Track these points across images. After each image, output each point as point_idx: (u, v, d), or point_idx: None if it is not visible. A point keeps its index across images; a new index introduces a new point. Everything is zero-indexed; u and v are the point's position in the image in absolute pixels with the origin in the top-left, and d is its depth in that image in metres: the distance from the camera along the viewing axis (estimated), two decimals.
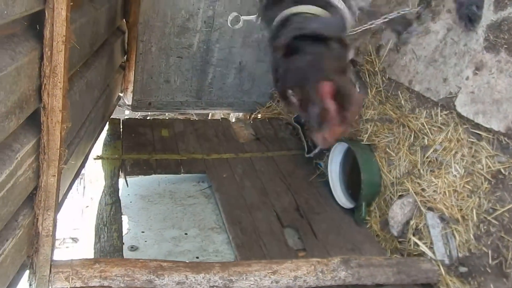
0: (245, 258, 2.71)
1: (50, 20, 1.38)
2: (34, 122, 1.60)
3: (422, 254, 2.69)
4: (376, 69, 3.15)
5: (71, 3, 1.44)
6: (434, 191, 2.65)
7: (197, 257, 2.83)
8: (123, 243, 2.77)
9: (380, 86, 3.14)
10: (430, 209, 2.68)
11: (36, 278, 1.93)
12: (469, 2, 2.38)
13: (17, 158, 1.47)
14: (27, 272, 1.96)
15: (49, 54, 1.42)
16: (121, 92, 4.30)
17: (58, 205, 2.02)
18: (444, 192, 2.60)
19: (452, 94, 2.56)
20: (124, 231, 2.95)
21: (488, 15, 2.35)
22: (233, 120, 4.76)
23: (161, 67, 4.12)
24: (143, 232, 3.04)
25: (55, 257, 1.99)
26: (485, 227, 2.40)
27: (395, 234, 2.86)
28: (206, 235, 3.04)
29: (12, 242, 1.61)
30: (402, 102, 2.95)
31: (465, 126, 2.51)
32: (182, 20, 3.96)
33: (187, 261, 2.24)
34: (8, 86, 1.25)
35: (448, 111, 2.62)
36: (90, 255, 2.74)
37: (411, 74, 2.86)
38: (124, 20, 3.88)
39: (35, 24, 1.43)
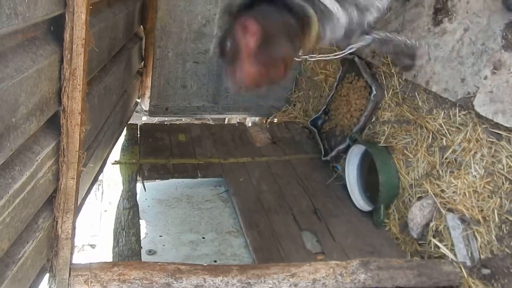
0: (262, 261, 2.70)
1: (70, 23, 1.40)
2: (54, 125, 1.62)
3: (443, 256, 2.65)
4: (392, 71, 3.13)
5: (91, 7, 1.46)
6: (454, 192, 2.62)
7: (215, 261, 2.84)
8: (141, 247, 2.80)
9: (397, 88, 3.11)
10: (450, 210, 2.64)
11: (56, 281, 1.95)
12: None
13: (37, 160, 1.49)
14: (47, 275, 1.98)
15: (68, 57, 1.45)
16: (139, 98, 4.35)
17: (77, 209, 2.05)
18: (464, 193, 2.56)
19: (470, 94, 2.52)
20: (142, 235, 2.97)
21: (505, 14, 2.32)
22: (250, 125, 4.77)
23: (177, 72, 4.16)
24: (160, 236, 3.06)
25: (74, 261, 2.02)
26: (507, 228, 2.35)
27: (415, 236, 2.82)
28: (224, 239, 3.05)
29: (33, 245, 1.63)
30: (420, 103, 2.92)
31: (484, 126, 2.48)
32: (198, 26, 4.00)
33: (205, 264, 2.24)
34: (29, 88, 1.28)
35: (466, 111, 2.58)
36: (109, 259, 2.76)
37: (428, 75, 2.84)
38: (141, 26, 3.93)
39: (55, 27, 1.46)
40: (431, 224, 2.75)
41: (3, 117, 1.15)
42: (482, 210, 2.48)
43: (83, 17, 1.43)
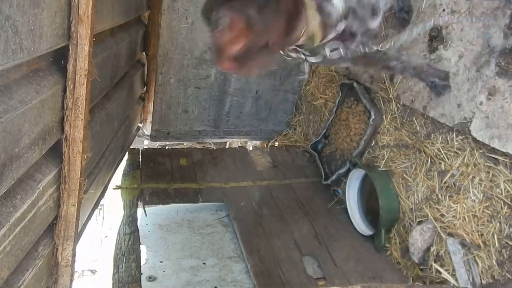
0: (264, 287, 2.70)
1: (73, 55, 1.45)
2: (55, 152, 1.65)
3: (444, 281, 2.64)
4: (390, 96, 3.17)
5: (94, 39, 1.51)
6: (454, 216, 2.62)
7: (216, 287, 2.82)
8: (141, 274, 2.78)
9: (395, 113, 3.15)
10: (450, 234, 2.64)
11: None
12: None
13: (38, 188, 1.52)
14: None
15: (72, 87, 1.49)
16: (141, 123, 4.39)
17: (78, 235, 2.06)
18: (464, 217, 2.57)
19: (467, 119, 2.55)
20: (143, 261, 2.96)
21: (499, 41, 2.37)
22: (251, 148, 4.80)
23: (179, 97, 4.21)
24: (161, 262, 3.05)
25: None
26: (507, 253, 2.35)
27: (416, 261, 2.81)
28: (225, 264, 3.04)
29: (32, 272, 1.63)
30: (418, 128, 2.95)
31: (481, 151, 2.50)
32: (200, 52, 4.07)
33: None
34: (32, 118, 1.31)
35: (463, 136, 2.61)
36: (109, 285, 2.75)
37: (425, 100, 2.87)
38: (144, 53, 4.01)
39: (59, 58, 1.50)
40: (432, 249, 2.75)
41: (6, 147, 1.18)
42: (482, 235, 2.48)
43: (86, 49, 1.47)
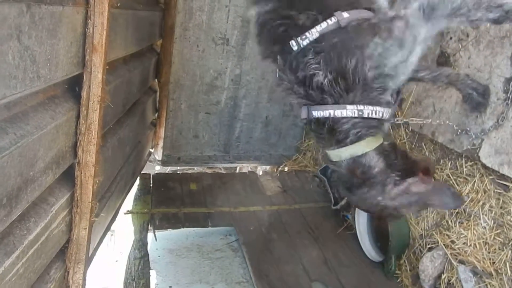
0: None
1: (87, 82, 1.50)
2: (68, 176, 1.69)
3: None
4: (399, 121, 3.18)
5: (107, 67, 1.57)
6: (464, 243, 2.60)
7: None
8: None
9: (404, 138, 3.16)
10: (461, 262, 2.61)
11: None
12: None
13: (51, 211, 1.55)
14: None
15: (85, 113, 1.54)
16: (152, 148, 4.45)
17: (89, 259, 2.08)
18: (475, 244, 2.54)
19: (476, 145, 2.56)
20: (152, 286, 2.97)
21: (506, 69, 2.39)
22: (260, 173, 4.82)
23: (190, 123, 4.27)
24: (170, 287, 3.06)
25: None
26: None
27: None
28: None
29: None
30: (427, 153, 2.96)
31: (491, 177, 2.49)
32: (210, 79, 4.15)
33: None
34: (47, 143, 1.36)
35: (472, 162, 2.61)
36: None
37: (433, 126, 2.89)
38: (156, 80, 4.09)
39: (73, 86, 1.56)
40: (443, 276, 2.71)
41: (22, 171, 1.22)
42: (494, 263, 2.45)
43: (99, 76, 1.53)
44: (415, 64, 1.89)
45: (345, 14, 1.81)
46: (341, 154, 1.91)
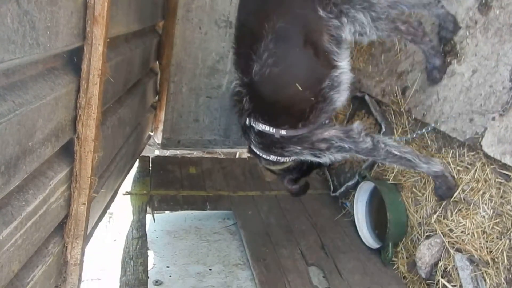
0: None
1: (88, 55, 1.48)
2: (67, 152, 1.68)
3: None
4: (402, 109, 3.17)
5: (108, 40, 1.54)
6: (462, 232, 2.60)
7: None
8: (148, 277, 2.80)
9: (406, 126, 3.15)
10: (458, 250, 2.61)
11: None
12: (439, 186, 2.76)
13: (50, 185, 1.54)
14: None
15: (85, 87, 1.52)
16: (152, 131, 4.43)
17: (87, 237, 2.08)
18: (473, 233, 2.54)
19: (478, 134, 2.54)
20: (150, 265, 2.97)
21: None
22: None
23: (190, 106, 4.25)
24: (168, 267, 3.06)
25: None
26: None
27: (423, 276, 2.79)
28: (230, 271, 3.04)
29: (42, 269, 1.66)
30: (428, 142, 2.94)
31: (492, 167, 2.48)
32: (212, 62, 4.12)
33: None
34: (46, 114, 1.34)
35: (474, 151, 2.60)
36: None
37: (436, 114, 2.87)
38: (157, 62, 4.06)
39: (74, 59, 1.54)
40: (440, 264, 2.72)
41: (21, 140, 1.21)
42: (491, 251, 2.45)
43: (100, 49, 1.51)
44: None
45: (283, 132, 2.45)
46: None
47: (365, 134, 2.52)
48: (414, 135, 2.93)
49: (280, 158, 2.63)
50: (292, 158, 2.62)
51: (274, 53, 2.23)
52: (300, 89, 2.30)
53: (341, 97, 2.44)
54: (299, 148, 2.50)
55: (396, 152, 2.53)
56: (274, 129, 2.45)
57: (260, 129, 2.48)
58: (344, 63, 2.39)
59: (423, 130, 2.84)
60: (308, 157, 2.56)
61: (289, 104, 2.41)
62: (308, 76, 2.36)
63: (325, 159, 2.56)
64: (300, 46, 2.27)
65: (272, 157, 2.63)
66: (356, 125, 2.53)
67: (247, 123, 2.53)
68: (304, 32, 2.26)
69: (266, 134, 2.49)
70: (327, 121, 2.53)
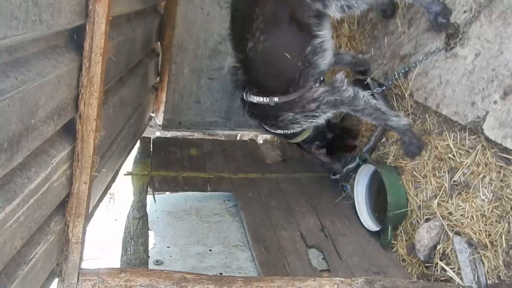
0: (268, 276, 2.71)
1: (90, 33, 1.47)
2: (69, 131, 1.68)
3: (449, 280, 2.63)
4: (404, 93, 3.16)
5: (110, 18, 1.53)
6: (462, 215, 2.61)
7: (221, 273, 2.84)
8: (149, 257, 2.83)
9: (408, 110, 3.14)
10: (457, 233, 2.63)
11: (64, 285, 1.98)
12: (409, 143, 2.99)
13: (52, 163, 1.55)
14: (56, 280, 2.02)
15: (87, 65, 1.52)
16: (153, 112, 4.43)
17: (88, 216, 2.09)
18: (472, 216, 2.55)
19: (480, 118, 2.54)
20: (150, 245, 3.00)
21: None
22: (261, 142, 4.81)
23: (192, 88, 4.24)
24: (168, 247, 3.09)
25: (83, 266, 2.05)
26: None
27: (422, 258, 2.81)
28: (230, 252, 3.07)
29: (44, 247, 1.67)
30: (430, 125, 2.94)
31: (493, 150, 2.48)
32: (214, 43, 4.09)
33: (211, 275, 2.26)
34: (49, 92, 1.34)
35: (476, 135, 2.60)
36: (117, 266, 2.79)
37: (438, 98, 2.86)
38: (159, 42, 4.04)
39: (76, 37, 1.53)
40: (438, 247, 2.74)
41: (23, 117, 1.21)
42: (489, 235, 2.47)
43: (102, 28, 1.50)
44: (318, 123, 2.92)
45: (276, 99, 2.73)
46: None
47: (347, 82, 2.85)
48: (390, 83, 3.20)
49: (285, 131, 2.97)
50: (296, 128, 2.91)
51: (265, 31, 2.58)
52: (289, 57, 2.65)
53: (324, 61, 2.74)
54: (291, 114, 2.79)
55: (373, 102, 2.88)
56: (268, 98, 2.74)
57: (255, 101, 2.78)
58: (324, 32, 2.70)
59: (395, 76, 3.15)
60: (303, 122, 2.84)
61: (280, 72, 2.75)
62: (294, 45, 2.69)
63: (320, 119, 2.87)
64: (286, 23, 2.63)
65: (279, 131, 2.98)
66: (339, 74, 2.84)
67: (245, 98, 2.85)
68: (289, 13, 2.61)
69: (261, 106, 2.80)
70: (316, 85, 2.79)
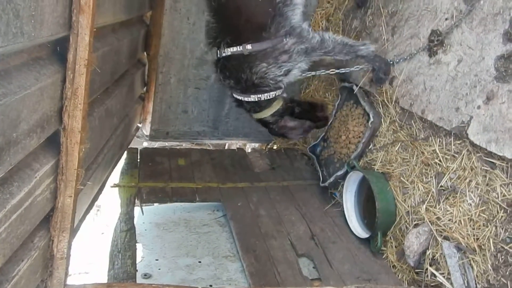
0: (259, 286, 2.69)
1: (74, 44, 1.46)
2: (53, 143, 1.66)
3: (439, 285, 2.64)
4: (390, 99, 3.18)
5: (95, 30, 1.52)
6: (450, 220, 2.63)
7: (211, 285, 2.82)
8: (137, 270, 2.78)
9: (394, 116, 3.16)
10: (446, 238, 2.64)
11: None
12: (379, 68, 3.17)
13: (36, 177, 1.52)
14: None
15: (71, 77, 1.50)
16: (140, 123, 4.40)
17: (74, 230, 2.05)
18: (460, 221, 2.57)
19: (464, 123, 2.57)
20: (138, 258, 2.96)
21: (497, 47, 2.39)
22: (249, 150, 4.81)
23: (179, 97, 4.22)
24: (157, 260, 3.05)
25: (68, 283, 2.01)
26: (503, 257, 2.35)
27: (412, 264, 2.81)
28: (220, 263, 3.04)
29: (28, 263, 1.63)
30: (416, 131, 2.96)
31: (478, 155, 2.51)
32: (200, 53, 4.08)
33: (200, 287, 2.24)
34: (31, 105, 1.32)
35: (461, 140, 2.62)
36: (104, 281, 2.74)
37: (423, 104, 2.89)
38: (145, 52, 4.02)
39: (59, 49, 1.51)
40: (428, 252, 2.75)
41: (5, 131, 1.19)
42: (477, 239, 2.48)
43: (86, 39, 1.48)
44: (293, 76, 2.98)
45: (249, 47, 2.74)
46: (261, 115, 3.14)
47: (312, 30, 2.93)
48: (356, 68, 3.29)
49: (259, 95, 2.96)
50: (271, 93, 2.96)
51: None
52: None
53: (294, 15, 2.81)
54: (265, 65, 2.81)
55: (339, 39, 2.97)
56: (241, 46, 2.75)
57: (230, 52, 2.80)
58: None
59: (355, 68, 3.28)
60: (277, 73, 2.87)
61: (252, 15, 2.78)
62: None
63: (296, 71, 2.94)
64: None
65: (252, 97, 2.97)
66: (305, 24, 2.90)
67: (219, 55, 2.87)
68: None
69: (235, 57, 2.82)
70: (287, 39, 2.82)
